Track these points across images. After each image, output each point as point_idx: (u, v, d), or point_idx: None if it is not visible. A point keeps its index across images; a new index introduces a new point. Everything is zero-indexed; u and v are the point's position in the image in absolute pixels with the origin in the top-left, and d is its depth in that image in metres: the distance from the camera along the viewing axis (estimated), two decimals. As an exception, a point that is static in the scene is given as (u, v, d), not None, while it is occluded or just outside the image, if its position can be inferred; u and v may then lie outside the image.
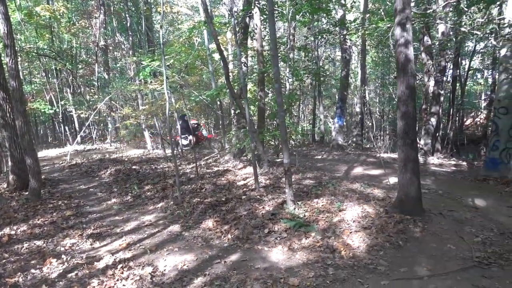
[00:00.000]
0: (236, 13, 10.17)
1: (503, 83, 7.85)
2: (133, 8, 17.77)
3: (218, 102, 13.20)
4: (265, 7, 9.81)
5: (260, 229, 4.85)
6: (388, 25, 9.92)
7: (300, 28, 17.81)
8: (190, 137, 12.77)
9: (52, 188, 7.67)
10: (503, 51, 7.94)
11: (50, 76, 17.90)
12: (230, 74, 9.61)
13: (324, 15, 12.07)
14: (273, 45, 5.42)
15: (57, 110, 16.17)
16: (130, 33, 16.43)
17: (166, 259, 4.10)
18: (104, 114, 17.22)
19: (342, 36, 13.66)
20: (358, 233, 4.67)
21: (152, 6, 18.43)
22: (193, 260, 4.07)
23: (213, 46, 12.79)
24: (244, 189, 6.67)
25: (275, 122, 13.46)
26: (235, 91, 9.03)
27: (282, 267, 3.87)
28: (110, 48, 19.28)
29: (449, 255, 4.24)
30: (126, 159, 10.66)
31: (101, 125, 19.46)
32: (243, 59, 8.82)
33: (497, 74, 9.42)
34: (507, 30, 7.69)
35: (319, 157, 12.04)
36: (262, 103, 9.62)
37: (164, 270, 3.83)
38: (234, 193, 6.43)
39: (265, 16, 10.40)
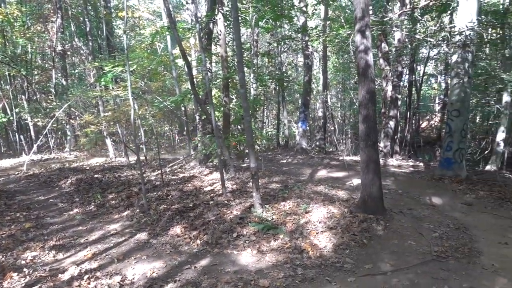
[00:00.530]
0: (199, 19, 10.17)
1: (455, 87, 8.36)
2: (92, 13, 17.29)
3: (183, 108, 13.07)
4: (228, 13, 9.90)
5: (229, 233, 4.88)
6: (348, 32, 10.31)
7: (263, 34, 18.07)
8: None
9: (8, 200, 7.29)
10: (454, 57, 8.46)
11: (2, 82, 17.02)
12: (194, 79, 9.60)
13: (287, 21, 12.35)
14: (238, 51, 5.51)
15: (11, 118, 15.38)
16: (89, 38, 15.97)
17: (134, 268, 4.03)
18: (63, 122, 16.56)
19: (304, 43, 14.00)
20: (325, 233, 4.81)
21: (113, 10, 18.01)
22: (162, 267, 4.03)
23: (176, 51, 12.73)
24: (212, 195, 6.66)
25: (239, 127, 13.57)
26: (200, 96, 9.03)
27: (252, 270, 3.92)
28: (68, 53, 18.62)
29: (410, 251, 4.47)
30: (88, 168, 10.33)
31: (59, 133, 18.68)
32: (207, 65, 8.84)
33: (449, 79, 10.00)
34: (457, 37, 8.21)
35: (284, 161, 12.22)
36: (227, 109, 9.67)
37: (133, 278, 3.76)
38: (201, 199, 6.41)
39: (228, 22, 10.50)
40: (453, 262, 4.17)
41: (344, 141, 20.51)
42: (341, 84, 22.63)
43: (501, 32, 13.05)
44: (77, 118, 14.46)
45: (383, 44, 12.53)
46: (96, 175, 8.99)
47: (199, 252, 4.46)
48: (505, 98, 12.57)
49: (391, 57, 13.24)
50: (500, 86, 12.71)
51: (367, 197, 5.39)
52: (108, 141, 13.20)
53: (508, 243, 4.77)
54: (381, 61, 12.79)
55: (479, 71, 13.56)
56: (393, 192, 7.41)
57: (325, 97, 16.80)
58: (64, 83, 16.85)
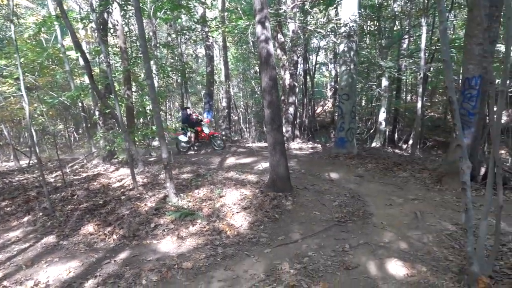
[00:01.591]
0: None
1: (343, 74, 9.35)
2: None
3: (80, 104, 12.16)
4: (123, 1, 9.50)
5: (146, 225, 4.87)
6: (247, 23, 10.71)
7: (161, 25, 17.63)
8: (189, 133, 11.66)
9: None
10: (341, 47, 9.43)
11: None
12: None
13: (185, 12, 12.27)
14: (142, 42, 5.42)
15: None
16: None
17: (47, 271, 3.81)
18: None
19: (204, 33, 14.09)
20: (240, 214, 5.11)
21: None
22: (79, 266, 3.89)
23: (67, 43, 11.76)
24: (122, 190, 6.48)
25: (143, 121, 13.17)
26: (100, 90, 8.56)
27: (174, 255, 4.02)
28: None
29: (315, 220, 5.02)
30: (-31, 176, 9.06)
31: None
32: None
33: (338, 66, 11.08)
34: (343, 29, 9.15)
35: (192, 152, 12.27)
36: (130, 102, 9.35)
37: (48, 281, 3.57)
38: (111, 195, 6.20)
39: (124, 12, 10.08)
40: (351, 224, 4.82)
41: (248, 129, 21.22)
42: (242, 74, 23.25)
43: (377, 24, 14.82)
44: None
45: (279, 35, 13.28)
46: (-19, 183, 7.96)
47: (117, 247, 4.39)
48: (384, 82, 14.37)
49: (287, 47, 14.10)
50: (379, 72, 14.47)
51: (276, 177, 5.83)
52: (-9, 144, 11.69)
53: (392, 204, 5.64)
54: (278, 51, 13.54)
55: (362, 59, 15.24)
56: (297, 172, 8.06)
57: (228, 87, 17.17)
58: None
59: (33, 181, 7.88)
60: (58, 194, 6.56)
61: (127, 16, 11.20)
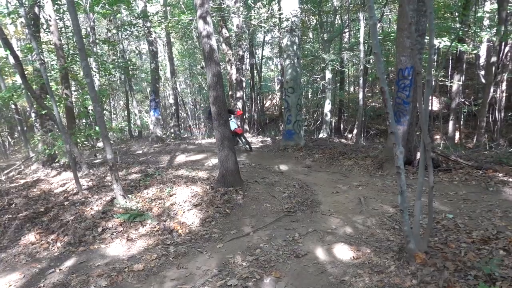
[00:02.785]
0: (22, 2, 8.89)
1: (288, 68, 9.54)
2: None
3: (13, 106, 11.31)
4: (57, -4, 8.96)
5: (93, 229, 4.68)
6: (190, 18, 10.55)
7: (100, 20, 16.85)
8: (236, 124, 10.26)
9: None
10: (284, 41, 9.61)
11: None
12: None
13: (125, 7, 11.82)
14: (78, 38, 5.15)
15: None
16: None
17: (-17, 287, 3.55)
18: None
19: (146, 29, 13.68)
20: (191, 211, 5.08)
21: None
22: (20, 278, 3.66)
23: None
24: (65, 195, 6.16)
25: (86, 122, 12.56)
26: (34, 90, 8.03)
27: (124, 258, 3.92)
28: None
29: (266, 212, 5.12)
30: None
31: None
32: (40, 55, 7.88)
33: (283, 60, 11.29)
34: (285, 23, 9.33)
35: (140, 152, 11.94)
36: (69, 102, 8.87)
37: (-15, 298, 3.34)
38: (53, 201, 5.87)
39: (58, 7, 9.51)
40: (300, 214, 4.98)
41: (198, 126, 21.01)
42: (188, 70, 22.93)
43: (319, 18, 15.27)
44: None
45: (224, 30, 13.24)
46: None
47: (62, 255, 4.18)
48: (328, 75, 14.88)
49: (232, 42, 14.10)
50: (323, 65, 14.95)
51: (225, 172, 5.86)
52: None
53: (338, 192, 5.90)
54: (224, 46, 13.52)
55: (306, 52, 15.64)
56: (248, 166, 8.15)
57: (174, 84, 16.85)
58: None
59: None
60: (-7, 204, 6.10)
61: (61, 10, 10.55)
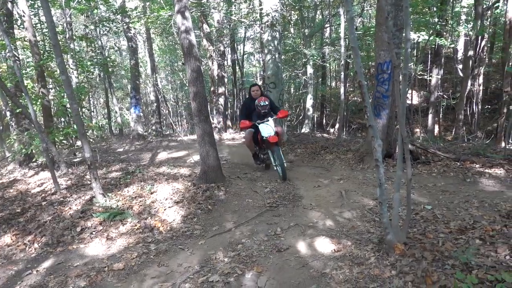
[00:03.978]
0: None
1: (269, 63, 9.52)
2: None
3: (-14, 104, 10.96)
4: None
5: (72, 229, 4.58)
6: (169, 13, 10.42)
7: (77, 16, 16.46)
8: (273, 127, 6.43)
9: None
10: (265, 36, 9.57)
11: None
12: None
13: (102, 2, 11.58)
14: (52, 34, 5.01)
15: None
16: None
17: (-44, 291, 3.44)
18: None
19: (125, 24, 13.44)
20: (172, 208, 5.03)
21: None
22: (-5, 281, 3.56)
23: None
24: (43, 195, 6.02)
25: (63, 120, 12.27)
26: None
27: (104, 257, 3.85)
28: None
29: (248, 207, 5.12)
30: None
31: None
32: (13, 52, 7.65)
33: (264, 56, 11.28)
34: (266, 18, 9.29)
35: (121, 149, 11.77)
36: (46, 100, 8.64)
37: (-43, 302, 3.23)
38: (30, 202, 5.73)
39: (32, 1, 9.24)
40: (282, 208, 5.00)
41: (180, 123, 20.83)
42: (169, 66, 22.68)
43: (300, 13, 15.28)
44: None
45: (205, 25, 13.13)
46: None
47: (39, 256, 4.08)
48: (309, 70, 14.94)
49: (213, 37, 14.00)
50: (304, 60, 15.00)
51: (207, 168, 5.82)
52: None
53: (320, 186, 5.94)
54: (205, 41, 13.41)
55: (287, 48, 15.66)
56: (230, 162, 8.12)
57: (155, 80, 16.65)
58: None
59: None
60: (-33, 206, 5.91)
61: (36, 6, 10.26)
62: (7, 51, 8.38)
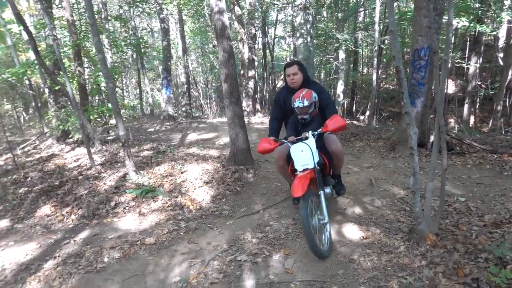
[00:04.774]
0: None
1: (300, 47, 9.38)
2: None
3: (27, 82, 11.41)
4: (69, -29, 8.86)
5: (106, 204, 4.77)
6: (202, -5, 10.39)
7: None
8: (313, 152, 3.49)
9: None
10: (297, 19, 9.40)
11: None
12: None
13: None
14: (90, 13, 5.13)
15: None
16: None
17: (1, 255, 3.66)
18: None
19: (158, 5, 13.54)
20: (202, 188, 5.14)
21: None
22: (36, 248, 3.77)
23: (7, 16, 10.88)
24: (79, 170, 6.28)
25: (97, 99, 12.64)
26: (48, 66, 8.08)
27: (136, 232, 4.00)
28: None
29: (276, 191, 5.14)
30: None
31: None
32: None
33: (295, 39, 11.10)
34: (298, 1, 9.11)
35: (152, 129, 12.02)
36: (82, 79, 8.91)
37: (3, 266, 3.44)
38: (68, 176, 6.00)
39: (70, -18, 9.40)
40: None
41: (209, 105, 21.00)
42: (200, 49, 22.76)
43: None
44: None
45: (236, 8, 13.03)
46: None
47: (76, 227, 4.29)
48: (341, 55, 14.62)
49: (244, 20, 13.89)
50: (336, 45, 14.67)
51: (236, 150, 5.87)
52: None
53: (349, 173, 5.87)
54: (236, 24, 13.33)
55: (319, 32, 15.34)
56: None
57: (186, 62, 16.78)
58: None
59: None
60: (9, 177, 6.26)
61: (74, -14, 10.49)
62: (46, 29, 8.67)
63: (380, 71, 17.20)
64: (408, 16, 12.78)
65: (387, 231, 3.55)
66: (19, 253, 3.67)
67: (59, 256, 3.53)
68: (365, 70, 20.90)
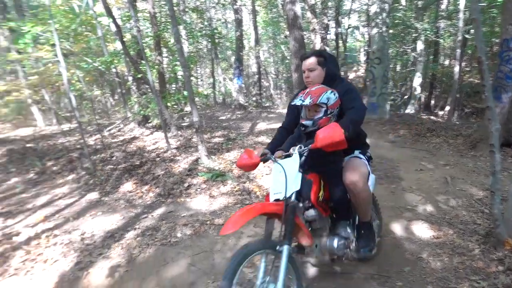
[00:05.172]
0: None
1: (375, 37, 9.04)
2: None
3: (114, 69, 12.47)
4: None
5: (180, 184, 5.13)
6: (276, -15, 10.43)
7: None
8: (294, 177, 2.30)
9: None
10: (373, 8, 9.08)
11: None
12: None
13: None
14: (170, 5, 5.48)
15: None
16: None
17: (92, 223, 4.16)
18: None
19: (233, -3, 13.88)
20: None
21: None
22: (120, 219, 4.21)
23: (98, 9, 11.93)
24: (157, 152, 6.79)
25: (174, 87, 13.41)
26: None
27: (206, 212, 4.26)
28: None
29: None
30: (18, 138, 9.72)
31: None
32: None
33: (370, 29, 10.71)
34: (375, -12, 8.79)
35: (224, 117, 12.47)
36: (161, 68, 9.53)
37: (93, 232, 3.91)
38: (147, 157, 6.52)
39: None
40: (382, 186, 4.87)
41: (279, 95, 21.13)
42: (272, 39, 22.86)
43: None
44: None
45: (310, -3, 12.88)
46: (28, 145, 8.56)
47: (153, 204, 4.69)
48: (420, 46, 13.78)
49: (317, 9, 13.68)
50: (415, 35, 13.84)
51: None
52: (35, 109, 12.34)
53: (422, 170, 5.60)
54: (309, 13, 13.17)
55: (397, 21, 14.55)
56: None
57: (258, 53, 17.01)
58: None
59: (75, 143, 8.35)
60: (98, 156, 6.97)
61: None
62: (131, 21, 9.38)
63: (463, 63, 15.89)
64: (498, 3, 11.61)
65: (461, 232, 3.37)
66: (106, 222, 4.13)
67: (138, 228, 3.90)
68: (446, 62, 19.42)
